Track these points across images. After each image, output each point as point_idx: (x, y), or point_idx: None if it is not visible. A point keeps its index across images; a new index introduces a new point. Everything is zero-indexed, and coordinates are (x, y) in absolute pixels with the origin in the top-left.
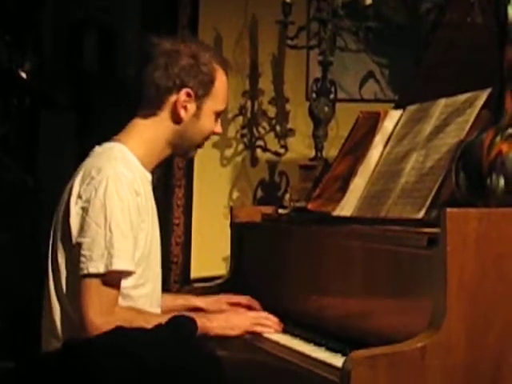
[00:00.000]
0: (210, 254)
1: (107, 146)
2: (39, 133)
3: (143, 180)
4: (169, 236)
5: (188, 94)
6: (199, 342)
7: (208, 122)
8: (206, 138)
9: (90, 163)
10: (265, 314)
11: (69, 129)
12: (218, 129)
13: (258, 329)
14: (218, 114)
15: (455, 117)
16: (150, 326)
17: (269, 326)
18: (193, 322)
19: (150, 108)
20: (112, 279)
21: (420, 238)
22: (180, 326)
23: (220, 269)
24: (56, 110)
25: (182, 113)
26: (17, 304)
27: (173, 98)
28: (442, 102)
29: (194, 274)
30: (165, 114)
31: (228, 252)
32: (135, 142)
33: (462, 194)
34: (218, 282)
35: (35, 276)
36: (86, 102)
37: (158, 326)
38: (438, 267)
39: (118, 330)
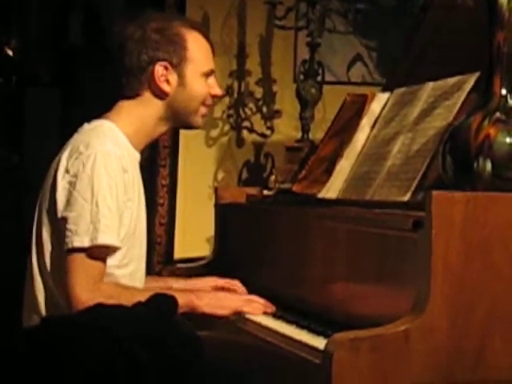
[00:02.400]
0: (194, 234)
1: (96, 123)
2: (24, 110)
3: (132, 159)
4: (153, 216)
5: (164, 67)
6: (179, 321)
7: (197, 86)
8: (204, 103)
9: (78, 139)
10: (254, 297)
11: (54, 105)
12: (216, 90)
13: (248, 309)
14: (206, 75)
15: (443, 100)
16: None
17: (259, 309)
18: (173, 300)
19: (132, 91)
20: (98, 254)
21: (405, 220)
22: (160, 304)
23: (204, 250)
24: (41, 87)
25: (165, 86)
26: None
27: (151, 76)
28: (430, 85)
29: (178, 254)
30: (149, 93)
31: (212, 233)
32: (125, 121)
33: (448, 178)
34: (202, 262)
35: (19, 253)
36: (70, 79)
37: (138, 304)
38: (423, 250)
39: (97, 307)
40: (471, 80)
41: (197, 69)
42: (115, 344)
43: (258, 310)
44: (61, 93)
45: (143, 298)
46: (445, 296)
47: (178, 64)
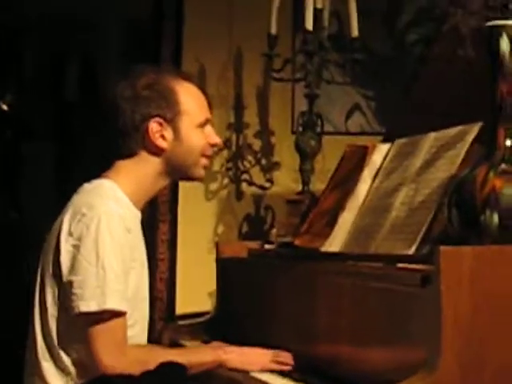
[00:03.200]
0: (195, 289)
1: (97, 182)
2: (21, 165)
3: (134, 218)
4: (153, 272)
5: (158, 124)
6: None
7: (193, 139)
8: (204, 154)
9: (80, 200)
10: (279, 352)
11: (49, 160)
12: (214, 139)
13: (276, 367)
14: (202, 126)
15: (446, 151)
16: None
17: (285, 364)
18: (183, 368)
19: (128, 150)
20: (110, 318)
21: (413, 275)
22: (170, 373)
23: (205, 305)
24: (37, 141)
25: (161, 143)
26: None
27: (145, 134)
28: (432, 135)
29: (179, 310)
30: (145, 151)
31: (213, 287)
32: (124, 180)
33: (454, 231)
34: (204, 318)
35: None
36: (66, 134)
37: (147, 374)
38: (431, 306)
39: (103, 379)
40: (474, 130)
41: (192, 121)
42: None
43: (285, 366)
44: (57, 148)
45: (169, 358)
46: (455, 352)
47: (172, 119)
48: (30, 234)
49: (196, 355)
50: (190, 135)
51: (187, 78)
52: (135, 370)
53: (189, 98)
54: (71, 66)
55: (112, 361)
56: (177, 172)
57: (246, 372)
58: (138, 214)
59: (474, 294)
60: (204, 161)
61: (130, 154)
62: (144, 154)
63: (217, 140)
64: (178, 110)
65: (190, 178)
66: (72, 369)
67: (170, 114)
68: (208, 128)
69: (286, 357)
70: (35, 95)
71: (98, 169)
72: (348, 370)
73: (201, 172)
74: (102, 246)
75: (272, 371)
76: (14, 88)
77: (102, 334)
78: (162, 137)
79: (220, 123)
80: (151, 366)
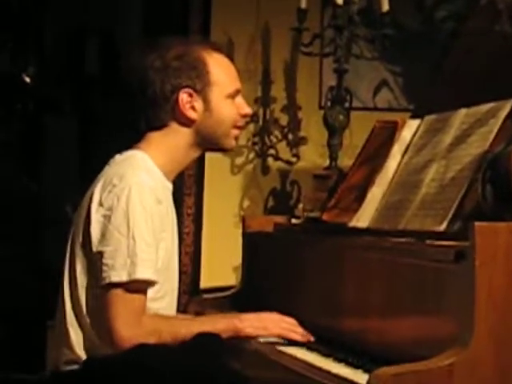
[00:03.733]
0: (220, 263)
1: (128, 153)
2: (43, 138)
3: (165, 190)
4: (178, 245)
5: (189, 94)
6: (227, 361)
7: (224, 110)
8: (234, 124)
9: (111, 171)
10: (295, 322)
11: (71, 134)
12: (245, 110)
13: (291, 335)
14: (232, 96)
15: (477, 127)
16: (178, 335)
17: (300, 335)
18: (219, 339)
19: (158, 122)
20: (137, 289)
21: (446, 251)
22: (205, 345)
23: (230, 279)
24: (59, 114)
25: (191, 113)
26: (18, 313)
27: (175, 104)
28: (463, 111)
29: (204, 284)
30: (175, 122)
31: (238, 262)
32: (155, 152)
33: (488, 207)
34: (229, 292)
35: (36, 284)
36: (87, 108)
37: (183, 344)
38: (465, 282)
39: (141, 348)
40: (507, 107)
41: (222, 91)
42: None
43: (299, 337)
44: (78, 121)
45: (186, 329)
46: (489, 328)
47: (202, 89)
48: (50, 207)
49: (209, 323)
50: (220, 106)
51: (217, 48)
52: (150, 339)
53: (219, 68)
54: (91, 38)
55: (128, 331)
56: (208, 143)
57: (272, 346)
58: (170, 186)
59: (508, 270)
60: (235, 131)
61: (160, 126)
62: (174, 125)
63: (247, 110)
64: (207, 80)
65: (221, 149)
66: (98, 338)
67: (200, 85)
68: (238, 99)
69: (298, 326)
70: (56, 69)
71: (120, 142)
72: (376, 345)
73: (232, 143)
74: (133, 217)
75: (300, 345)
76: (35, 61)
77: (123, 303)
78: (193, 108)
79: (247, 97)
80: (165, 336)
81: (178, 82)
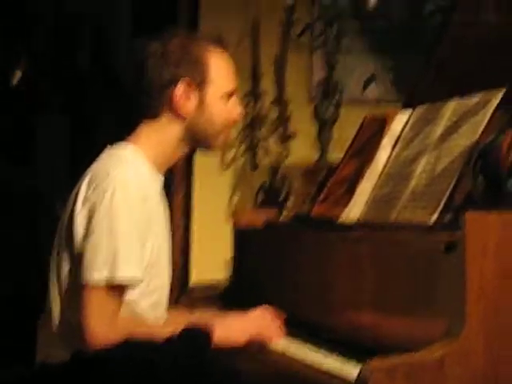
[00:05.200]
0: (210, 258)
1: (119, 146)
2: (35, 136)
3: (154, 184)
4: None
5: (187, 84)
6: (214, 355)
7: (216, 109)
8: (225, 124)
9: (98, 165)
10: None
11: (63, 131)
12: (235, 114)
13: (266, 333)
14: (227, 96)
15: (468, 117)
16: (152, 336)
17: (275, 333)
18: (206, 334)
19: (151, 112)
20: (115, 288)
21: (437, 243)
22: (193, 339)
23: (220, 274)
24: (52, 111)
25: (185, 107)
26: (13, 307)
27: (171, 95)
28: (453, 102)
29: (194, 279)
30: (168, 114)
31: (228, 257)
32: (146, 145)
33: (480, 197)
34: (219, 287)
35: (33, 279)
36: (79, 105)
37: (170, 339)
38: (456, 273)
39: (129, 343)
40: (497, 96)
41: (218, 90)
42: (150, 381)
43: (275, 335)
44: (71, 117)
45: (159, 332)
46: (480, 319)
47: (199, 84)
48: (45, 203)
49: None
50: (213, 105)
51: (221, 45)
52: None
53: (218, 66)
54: (82, 34)
55: (102, 330)
56: (197, 140)
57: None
58: (160, 179)
59: (499, 260)
60: (224, 133)
61: (153, 116)
62: (167, 117)
63: (238, 116)
64: (206, 76)
65: (208, 147)
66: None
67: (198, 80)
68: (233, 99)
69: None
70: (47, 67)
71: (113, 136)
72: (368, 338)
73: (219, 143)
74: (116, 215)
75: (291, 338)
76: (26, 60)
77: (99, 302)
78: (188, 98)
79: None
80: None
81: (177, 73)
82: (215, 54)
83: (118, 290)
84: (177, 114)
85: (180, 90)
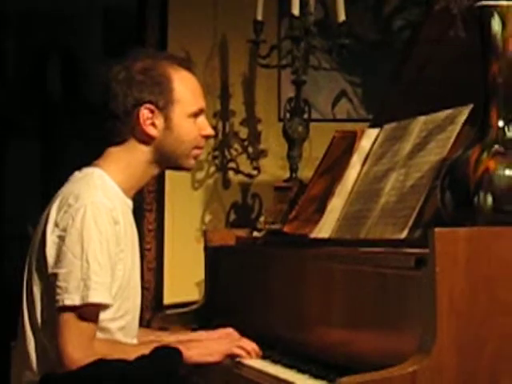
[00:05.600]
0: (183, 279)
1: (86, 171)
2: (5, 159)
3: (123, 207)
4: (140, 261)
5: (150, 110)
6: (184, 374)
7: (184, 129)
8: (194, 145)
9: (68, 189)
10: (244, 339)
11: (34, 155)
12: (206, 131)
13: (237, 351)
14: (195, 115)
15: (436, 134)
16: (129, 357)
17: (248, 351)
18: (177, 352)
19: (118, 136)
20: (89, 312)
21: (407, 258)
22: (164, 358)
23: (193, 294)
24: (23, 136)
25: (151, 130)
26: None
27: (135, 120)
28: (422, 119)
29: (167, 299)
30: (135, 138)
31: (201, 277)
32: (114, 168)
33: (448, 213)
34: (192, 307)
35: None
36: (51, 129)
37: (141, 358)
38: (426, 288)
39: (100, 363)
40: (464, 113)
41: (184, 110)
42: None
43: (248, 353)
44: (42, 142)
45: (135, 354)
46: (452, 334)
47: (164, 106)
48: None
49: None
50: (181, 125)
51: (185, 65)
52: None
53: (183, 86)
54: (53, 59)
55: (79, 354)
56: (167, 161)
57: (234, 360)
58: (129, 203)
59: (469, 276)
60: (195, 151)
61: (120, 141)
62: (134, 141)
63: (209, 131)
64: (170, 97)
65: (179, 168)
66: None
67: (163, 102)
68: (201, 118)
69: (250, 344)
70: (18, 92)
71: (84, 160)
72: (341, 355)
73: (191, 162)
74: (88, 239)
75: (264, 358)
76: None
77: (76, 327)
78: (153, 124)
79: (206, 112)
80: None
81: (141, 97)
82: (179, 74)
83: (91, 314)
84: (143, 139)
85: (144, 114)
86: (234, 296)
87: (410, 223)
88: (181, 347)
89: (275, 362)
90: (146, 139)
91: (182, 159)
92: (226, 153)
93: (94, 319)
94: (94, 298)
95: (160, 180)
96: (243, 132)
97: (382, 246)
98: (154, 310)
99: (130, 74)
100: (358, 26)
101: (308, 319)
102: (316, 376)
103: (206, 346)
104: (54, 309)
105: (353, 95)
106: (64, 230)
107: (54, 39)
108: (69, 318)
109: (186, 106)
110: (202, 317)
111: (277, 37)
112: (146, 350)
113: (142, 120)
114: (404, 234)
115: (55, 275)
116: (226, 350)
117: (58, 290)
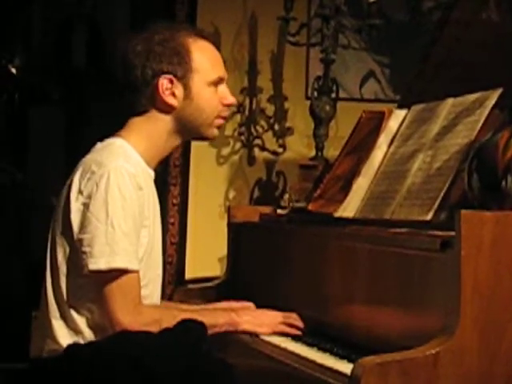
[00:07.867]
0: (205, 254)
1: (109, 141)
2: (29, 128)
3: (146, 177)
4: (164, 235)
5: (169, 80)
6: (208, 347)
7: (204, 98)
8: (216, 113)
9: (90, 158)
10: (291, 314)
11: (59, 124)
12: (227, 100)
13: (286, 329)
14: (214, 84)
15: (464, 117)
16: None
17: (296, 327)
18: (201, 326)
19: (139, 107)
20: (124, 277)
21: (432, 240)
22: (188, 331)
23: (215, 269)
24: (47, 105)
25: (171, 100)
26: (3, 303)
27: (155, 90)
28: (450, 101)
29: (189, 274)
30: (155, 109)
31: (223, 252)
32: (136, 139)
33: (474, 197)
34: (214, 283)
35: (22, 275)
36: (74, 98)
37: (165, 331)
38: (451, 271)
39: (121, 335)
40: (493, 96)
41: (203, 78)
42: (142, 372)
43: (294, 330)
44: (66, 111)
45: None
46: (475, 317)
47: (183, 76)
48: (36, 197)
49: (210, 316)
50: (200, 94)
51: (203, 35)
52: (150, 328)
53: (202, 55)
54: (78, 29)
55: (128, 320)
56: (188, 131)
57: (257, 336)
58: (151, 173)
59: (494, 259)
60: (218, 121)
61: (141, 112)
62: (155, 112)
63: (231, 100)
64: (189, 67)
65: (202, 138)
66: (84, 328)
67: (181, 72)
68: (222, 87)
69: (296, 319)
70: (43, 59)
71: (108, 131)
72: (363, 336)
73: (214, 132)
74: (112, 204)
75: (284, 335)
76: (22, 52)
77: (115, 292)
78: (173, 94)
79: (233, 87)
80: (166, 325)
81: (159, 68)
82: (197, 43)
83: (127, 278)
84: (164, 108)
85: (163, 84)
86: (256, 273)
87: (436, 205)
88: (232, 313)
89: (296, 339)
90: (167, 109)
91: (204, 128)
92: (252, 129)
93: (135, 284)
94: (120, 263)
95: (185, 154)
96: (270, 109)
97: (406, 227)
98: (175, 284)
99: (149, 45)
100: (388, 6)
101: (330, 298)
102: (337, 355)
103: (257, 316)
104: (79, 276)
105: (381, 76)
106: (88, 196)
107: (81, 11)
108: (106, 286)
109: (204, 74)
110: (223, 292)
111: (307, 15)
112: (197, 317)
113: (161, 90)
114: (429, 216)
115: (80, 241)
116: (275, 325)
117: (83, 256)
